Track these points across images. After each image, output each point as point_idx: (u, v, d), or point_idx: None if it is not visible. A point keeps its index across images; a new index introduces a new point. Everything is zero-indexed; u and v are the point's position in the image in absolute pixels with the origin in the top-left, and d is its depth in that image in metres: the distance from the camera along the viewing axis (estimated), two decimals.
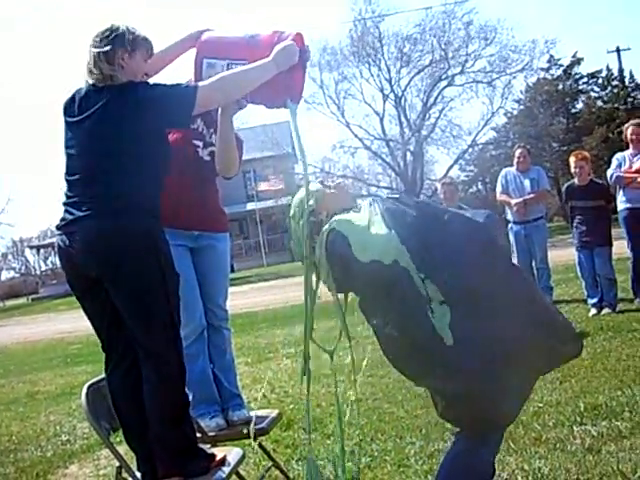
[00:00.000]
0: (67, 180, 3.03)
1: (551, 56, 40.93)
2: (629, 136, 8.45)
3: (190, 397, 3.32)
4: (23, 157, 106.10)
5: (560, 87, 45.04)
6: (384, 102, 38.36)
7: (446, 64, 36.82)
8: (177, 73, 3.55)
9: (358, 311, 2.74)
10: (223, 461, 3.11)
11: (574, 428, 4.14)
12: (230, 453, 3.25)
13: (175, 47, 3.57)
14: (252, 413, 3.98)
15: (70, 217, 2.95)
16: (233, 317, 4.36)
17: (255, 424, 3.79)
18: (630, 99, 43.86)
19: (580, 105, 46.31)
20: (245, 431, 3.43)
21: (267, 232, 45.30)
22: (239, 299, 16.80)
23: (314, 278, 2.89)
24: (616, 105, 43.27)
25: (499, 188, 9.43)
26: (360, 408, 5.20)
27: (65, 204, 3.00)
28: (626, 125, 8.81)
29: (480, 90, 37.41)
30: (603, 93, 46.23)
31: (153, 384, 2.95)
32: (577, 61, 44.98)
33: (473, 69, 37.19)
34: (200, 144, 3.87)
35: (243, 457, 3.38)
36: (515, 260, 8.93)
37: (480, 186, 51.68)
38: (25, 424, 6.90)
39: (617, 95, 43.97)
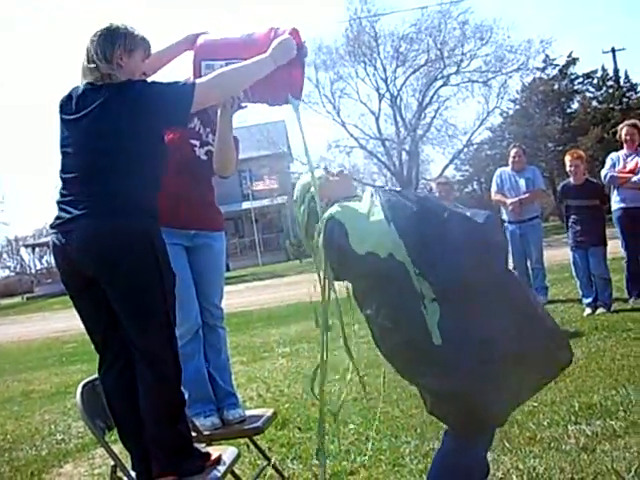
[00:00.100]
0: (63, 178, 3.02)
1: (547, 56, 41.01)
2: (623, 136, 8.48)
3: (185, 396, 3.32)
4: (19, 156, 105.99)
5: (556, 87, 45.13)
6: (380, 101, 38.43)
7: (442, 64, 36.87)
8: (175, 73, 3.56)
9: (354, 310, 2.75)
10: (218, 460, 3.11)
11: (569, 427, 4.15)
12: (225, 452, 3.24)
13: (171, 49, 3.59)
14: (247, 412, 3.98)
15: (67, 216, 2.94)
16: (228, 316, 4.36)
17: (250, 423, 3.81)
18: (625, 99, 43.94)
19: (575, 105, 46.42)
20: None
21: (262, 231, 45.32)
22: (234, 298, 16.80)
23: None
24: (611, 105, 43.35)
25: (494, 188, 9.46)
26: (355, 407, 5.22)
27: (60, 202, 2.99)
28: (620, 125, 8.83)
29: (476, 90, 37.50)
30: (598, 93, 46.33)
31: (149, 384, 2.95)
32: (572, 61, 45.09)
33: (469, 69, 37.25)
34: (197, 143, 3.87)
35: (238, 456, 3.37)
36: (510, 260, 8.96)
37: (475, 186, 51.77)
38: (20, 423, 6.89)
39: (612, 95, 44.05)
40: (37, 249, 54.52)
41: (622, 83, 44.33)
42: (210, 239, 3.93)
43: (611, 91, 44.53)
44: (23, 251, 64.77)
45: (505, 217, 9.20)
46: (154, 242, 2.99)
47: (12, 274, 70.20)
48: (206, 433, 3.67)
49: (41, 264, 57.15)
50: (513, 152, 9.45)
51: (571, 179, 8.27)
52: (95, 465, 4.94)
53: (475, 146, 42.35)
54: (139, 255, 2.91)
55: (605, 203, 8.27)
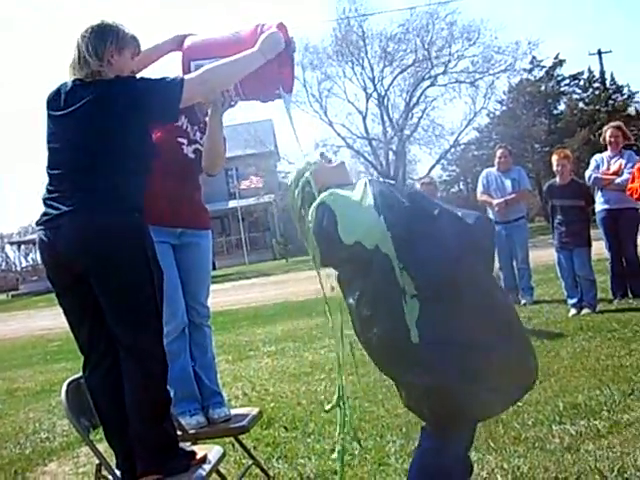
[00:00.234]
0: (50, 174, 3.01)
1: (534, 57, 41.21)
2: (607, 138, 8.54)
3: (171, 395, 3.32)
4: (3, 153, 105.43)
5: (542, 88, 45.34)
6: (367, 101, 38.47)
7: (429, 64, 36.92)
8: (164, 69, 3.55)
9: (344, 311, 2.75)
10: (204, 459, 3.10)
11: (553, 427, 4.17)
12: (210, 451, 3.24)
13: (157, 48, 3.62)
14: (232, 411, 3.98)
15: (54, 212, 2.92)
16: (214, 315, 4.35)
17: (235, 422, 3.80)
18: (611, 101, 44.19)
19: (562, 106, 46.65)
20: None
21: (249, 230, 45.27)
22: (220, 297, 16.78)
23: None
24: (597, 107, 43.57)
25: (480, 188, 9.50)
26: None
27: (47, 199, 2.98)
28: (605, 127, 8.91)
29: (463, 90, 37.62)
30: (585, 95, 46.55)
31: (136, 381, 2.94)
32: (559, 63, 45.33)
33: (456, 69, 37.36)
34: (185, 142, 3.87)
35: (223, 455, 3.37)
36: (496, 260, 8.98)
37: (462, 186, 51.98)
38: (4, 421, 6.85)
39: (598, 97, 44.28)
40: (22, 246, 54.26)
41: (608, 85, 44.59)
42: (197, 237, 3.93)
43: (597, 93, 44.77)
44: (8, 248, 64.51)
45: (491, 217, 9.23)
46: (143, 239, 2.99)
47: None
48: (191, 432, 3.67)
49: (26, 261, 56.89)
50: (499, 153, 9.49)
51: (557, 179, 8.30)
52: (80, 464, 4.92)
53: (462, 146, 42.49)
54: (129, 251, 2.91)
55: (590, 204, 8.30)
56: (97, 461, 3.05)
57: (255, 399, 5.98)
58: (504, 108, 44.72)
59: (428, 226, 2.59)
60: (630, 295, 8.27)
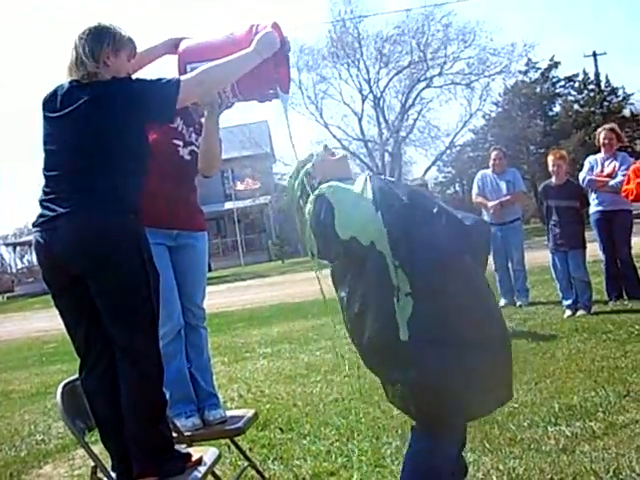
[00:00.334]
0: (46, 176, 3.01)
1: (529, 59, 41.29)
2: (601, 140, 8.56)
3: (167, 396, 3.31)
4: (3, 154, 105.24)
5: (538, 90, 45.42)
6: (363, 103, 38.54)
7: (425, 65, 36.99)
8: (159, 72, 3.55)
9: (339, 313, 2.75)
10: (199, 461, 3.10)
11: (549, 428, 4.17)
12: (206, 453, 3.24)
13: (151, 51, 3.64)
14: (228, 413, 3.98)
15: (51, 214, 2.92)
16: (210, 316, 4.35)
17: (231, 424, 3.80)
18: (606, 103, 44.28)
19: (557, 108, 46.72)
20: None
21: (245, 231, 45.24)
22: (216, 298, 16.75)
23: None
24: (592, 109, 43.66)
25: (475, 190, 9.51)
26: (336, 408, 5.23)
27: (44, 200, 2.97)
28: (599, 130, 8.93)
29: (458, 92, 37.71)
30: (580, 97, 46.62)
31: (132, 382, 2.94)
32: (554, 64, 45.38)
33: (452, 71, 37.46)
34: (180, 143, 3.86)
35: (219, 457, 3.37)
36: (492, 261, 9.00)
37: (458, 187, 52.01)
38: None
39: (593, 99, 44.38)
40: (18, 248, 54.15)
41: (603, 87, 44.70)
42: (193, 239, 3.93)
43: (592, 95, 44.86)
44: (4, 250, 64.30)
45: (486, 219, 9.23)
46: (140, 240, 2.99)
47: None
48: (187, 434, 3.66)
49: (22, 263, 56.80)
50: (493, 155, 9.51)
51: (553, 179, 8.30)
52: (75, 466, 4.92)
53: (458, 148, 42.60)
54: (126, 252, 2.92)
55: (585, 206, 8.31)
56: (92, 463, 3.05)
57: (251, 401, 5.97)
58: (499, 110, 44.79)
59: (426, 225, 2.60)
60: (625, 297, 8.28)
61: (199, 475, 3.01)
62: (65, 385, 3.10)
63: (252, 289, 22.74)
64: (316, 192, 2.73)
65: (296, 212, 2.93)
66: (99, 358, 3.03)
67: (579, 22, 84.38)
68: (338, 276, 2.71)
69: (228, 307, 16.06)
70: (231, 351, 9.11)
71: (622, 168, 8.19)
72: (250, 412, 4.02)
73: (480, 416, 2.98)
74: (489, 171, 9.49)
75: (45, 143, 3.04)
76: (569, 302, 8.03)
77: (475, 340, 2.52)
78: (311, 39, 49.18)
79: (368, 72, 37.78)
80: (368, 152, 39.04)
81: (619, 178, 8.11)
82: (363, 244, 2.56)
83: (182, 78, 3.06)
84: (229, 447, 4.33)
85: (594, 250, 8.69)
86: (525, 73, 44.14)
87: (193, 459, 3.09)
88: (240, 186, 42.37)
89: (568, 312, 7.96)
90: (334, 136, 37.92)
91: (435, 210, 2.64)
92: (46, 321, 18.36)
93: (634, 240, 8.54)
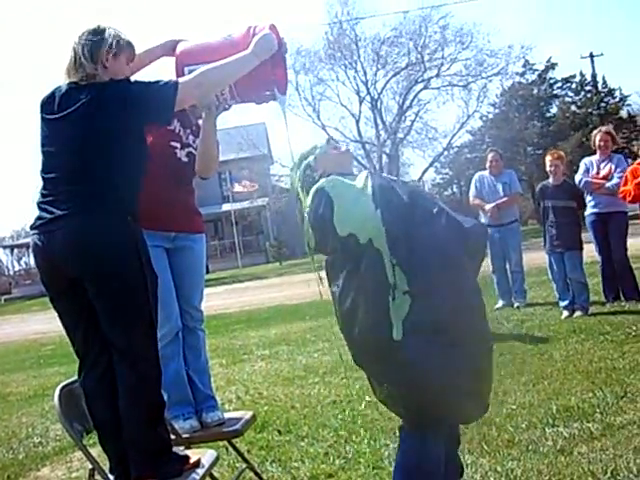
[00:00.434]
0: (44, 178, 3.01)
1: (526, 61, 41.23)
2: (597, 142, 8.58)
3: (165, 399, 3.31)
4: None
5: (535, 91, 45.46)
6: (360, 104, 38.45)
7: (422, 67, 36.93)
8: (156, 74, 3.56)
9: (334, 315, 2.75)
10: (197, 463, 3.10)
11: (546, 430, 4.18)
12: (204, 455, 3.24)
13: (148, 52, 3.63)
14: (226, 415, 3.97)
15: (49, 216, 2.92)
16: (207, 318, 4.35)
17: (229, 426, 3.80)
18: (603, 104, 44.34)
19: (554, 109, 46.75)
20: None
21: (242, 233, 45.21)
22: (214, 300, 16.75)
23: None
24: (590, 110, 43.70)
25: (472, 191, 9.53)
26: (334, 410, 5.23)
27: (42, 203, 2.97)
28: (594, 132, 8.94)
29: (456, 93, 37.62)
30: (577, 98, 46.66)
31: (130, 384, 2.94)
32: (551, 66, 45.41)
33: (449, 72, 37.38)
34: (177, 145, 3.86)
35: (217, 459, 3.37)
36: (490, 263, 9.02)
37: (455, 189, 52.00)
38: None
39: (590, 100, 44.42)
40: (15, 250, 54.10)
41: (600, 88, 44.72)
42: (190, 241, 3.92)
43: (589, 96, 44.90)
44: (1, 252, 64.15)
45: (484, 221, 9.25)
46: (138, 242, 2.99)
47: None
48: (185, 436, 3.66)
49: (20, 265, 56.68)
50: (490, 156, 9.54)
51: (550, 179, 8.31)
52: (73, 468, 4.91)
53: (455, 149, 42.57)
54: (124, 255, 2.92)
55: (582, 206, 8.33)
56: (90, 466, 3.04)
57: (249, 403, 5.97)
58: (497, 111, 44.81)
59: (425, 225, 2.60)
60: (622, 298, 8.29)
61: (197, 477, 3.01)
62: (63, 387, 3.09)
63: (250, 291, 22.73)
64: (316, 185, 2.72)
65: (297, 204, 2.93)
66: (97, 360, 3.03)
67: (576, 24, 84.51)
68: (333, 270, 2.71)
69: (226, 309, 16.06)
70: (229, 353, 9.11)
71: (618, 170, 8.21)
72: (248, 414, 4.02)
73: (472, 419, 2.98)
74: (486, 173, 9.51)
75: (43, 145, 3.04)
76: (566, 303, 8.04)
77: (465, 341, 2.53)
78: (308, 41, 49.12)
79: (365, 74, 37.75)
80: (366, 154, 38.99)
81: (615, 180, 8.13)
82: (361, 242, 2.56)
83: (180, 80, 3.06)
84: (227, 449, 4.32)
85: (591, 251, 8.71)
86: (522, 75, 44.12)
87: (191, 461, 3.08)
88: (238, 188, 42.35)
89: (565, 313, 7.97)
90: (332, 138, 37.80)
91: (435, 210, 2.64)
92: (43, 323, 18.35)
93: (630, 241, 8.56)
